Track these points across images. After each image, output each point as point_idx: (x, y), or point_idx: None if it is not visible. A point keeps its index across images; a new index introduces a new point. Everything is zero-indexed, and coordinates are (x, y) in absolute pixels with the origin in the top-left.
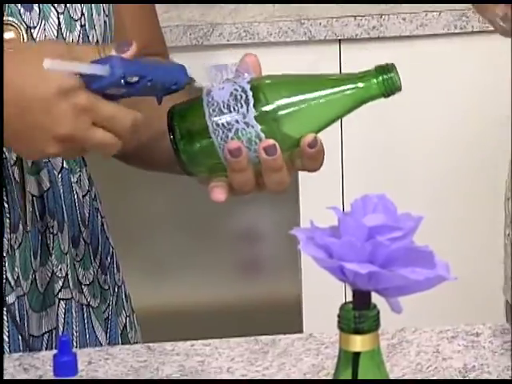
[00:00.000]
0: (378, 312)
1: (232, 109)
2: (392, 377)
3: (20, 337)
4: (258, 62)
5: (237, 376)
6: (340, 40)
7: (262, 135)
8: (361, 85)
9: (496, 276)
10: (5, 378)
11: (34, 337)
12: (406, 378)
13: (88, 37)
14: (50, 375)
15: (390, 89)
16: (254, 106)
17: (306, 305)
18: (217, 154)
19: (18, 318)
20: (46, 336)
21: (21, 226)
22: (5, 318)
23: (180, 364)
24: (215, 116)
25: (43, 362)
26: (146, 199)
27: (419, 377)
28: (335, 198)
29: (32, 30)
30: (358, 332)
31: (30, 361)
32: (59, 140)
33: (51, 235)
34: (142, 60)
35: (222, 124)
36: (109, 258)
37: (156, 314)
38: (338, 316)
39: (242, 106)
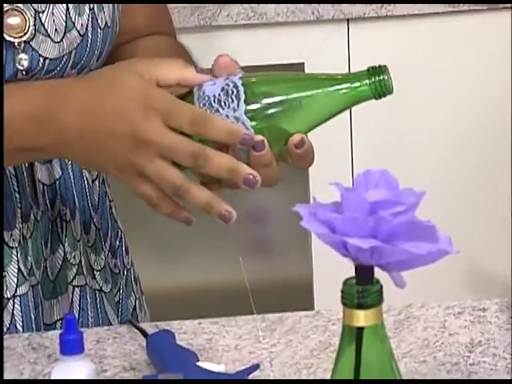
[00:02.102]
0: (381, 287)
1: (223, 103)
2: (399, 352)
3: (34, 326)
4: (232, 62)
5: (244, 353)
6: (348, 19)
7: (252, 131)
8: (352, 86)
9: (503, 251)
10: (14, 357)
11: (47, 325)
12: (412, 353)
13: (97, 20)
14: (58, 354)
15: (382, 91)
16: (244, 101)
17: (316, 284)
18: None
19: (32, 307)
20: (58, 324)
21: (32, 216)
22: (18, 308)
23: (188, 342)
24: (205, 110)
25: (52, 341)
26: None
27: (426, 352)
28: (345, 177)
29: (40, 15)
30: (361, 307)
31: (39, 340)
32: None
33: (63, 223)
34: None
35: None
36: (118, 242)
37: (165, 295)
38: (342, 291)
39: (232, 101)
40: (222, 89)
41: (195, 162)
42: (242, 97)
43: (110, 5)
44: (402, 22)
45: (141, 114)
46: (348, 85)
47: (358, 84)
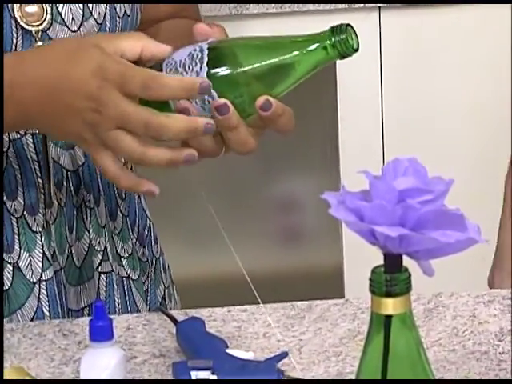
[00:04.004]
0: (410, 275)
1: (187, 67)
2: (428, 341)
3: (60, 311)
4: (211, 29)
5: (273, 341)
6: (380, 7)
7: (214, 93)
8: (315, 47)
9: None
10: (44, 343)
11: (73, 311)
12: (441, 342)
13: (115, 8)
14: (88, 341)
15: (344, 51)
16: (207, 64)
17: (347, 273)
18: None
19: (56, 293)
20: (86, 310)
21: (55, 202)
22: (44, 292)
23: (217, 330)
24: (171, 75)
25: (82, 328)
26: (183, 168)
27: (455, 341)
28: (376, 165)
29: (57, 4)
30: (389, 295)
31: (70, 327)
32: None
33: (88, 209)
34: None
35: None
36: (146, 231)
37: (196, 284)
38: (370, 279)
39: (196, 65)
40: (189, 54)
41: (148, 131)
42: (205, 60)
43: None
44: (434, 10)
45: (96, 86)
46: (312, 46)
47: (321, 45)
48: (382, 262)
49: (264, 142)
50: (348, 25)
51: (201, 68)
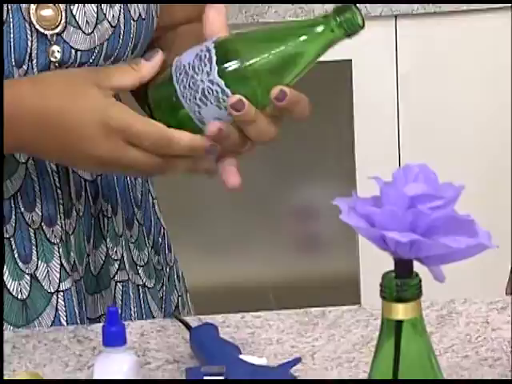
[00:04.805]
0: (420, 280)
1: (197, 69)
2: (441, 347)
3: (79, 321)
4: (222, 17)
5: (286, 347)
6: (396, 16)
7: (228, 91)
8: (322, 29)
9: None
10: (59, 349)
11: (91, 319)
12: (454, 348)
13: (129, 11)
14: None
15: (351, 29)
16: (216, 62)
17: (363, 280)
18: (190, 118)
19: (75, 302)
20: (102, 318)
21: (74, 212)
22: (61, 302)
23: (231, 336)
24: (182, 79)
25: (97, 334)
26: (199, 176)
27: (468, 347)
28: (392, 173)
29: (71, 7)
30: (400, 300)
31: (84, 333)
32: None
33: (105, 218)
34: None
35: (189, 85)
36: (160, 239)
37: (210, 292)
38: (381, 285)
39: (205, 65)
40: (196, 55)
41: (161, 172)
42: (214, 59)
43: None
44: (450, 18)
45: (101, 134)
46: (317, 29)
47: (326, 27)
48: None
49: (281, 150)
50: (351, 3)
51: (211, 68)
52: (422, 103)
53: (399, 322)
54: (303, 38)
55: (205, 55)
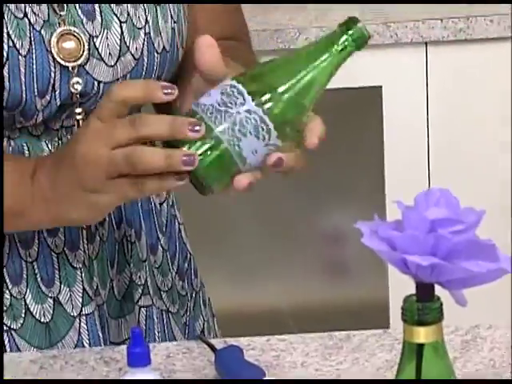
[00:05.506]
0: (442, 304)
1: (229, 104)
2: (465, 372)
3: (102, 345)
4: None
5: (310, 370)
6: (426, 43)
7: (266, 118)
8: (336, 48)
9: None
10: (86, 370)
11: (115, 344)
12: (478, 373)
13: (153, 44)
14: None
15: (362, 42)
16: (248, 93)
17: (392, 307)
18: (232, 158)
19: (99, 326)
20: (127, 343)
21: (97, 237)
22: (84, 326)
23: (255, 358)
24: (215, 116)
25: (123, 356)
26: (227, 200)
27: (491, 373)
28: None
29: (94, 39)
30: (421, 324)
31: (111, 354)
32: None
33: (129, 243)
34: None
35: (224, 119)
36: (186, 264)
37: (238, 316)
38: (402, 308)
39: (237, 98)
40: (222, 93)
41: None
42: (245, 90)
43: (169, 30)
44: (480, 46)
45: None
46: (333, 48)
47: (340, 44)
48: None
49: (309, 174)
50: (353, 17)
51: (244, 98)
52: (451, 129)
53: (420, 346)
54: (322, 60)
55: (232, 91)
